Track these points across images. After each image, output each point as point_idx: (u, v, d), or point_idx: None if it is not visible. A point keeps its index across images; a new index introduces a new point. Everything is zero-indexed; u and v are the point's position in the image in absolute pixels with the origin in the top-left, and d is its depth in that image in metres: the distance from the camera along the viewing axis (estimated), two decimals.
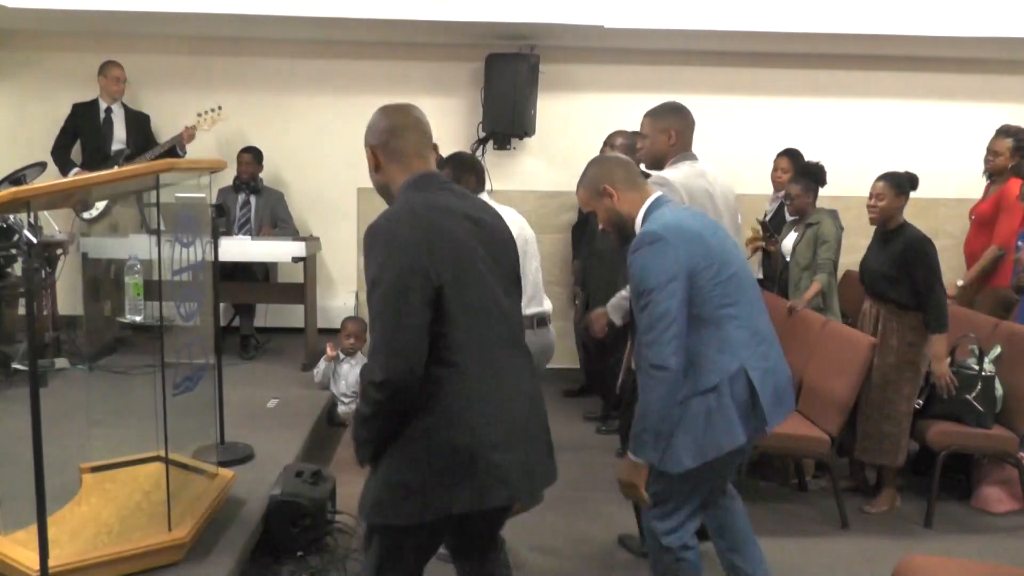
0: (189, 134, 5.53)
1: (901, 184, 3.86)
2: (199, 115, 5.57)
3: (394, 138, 2.09)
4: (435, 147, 2.15)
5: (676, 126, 3.20)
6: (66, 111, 5.60)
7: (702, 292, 2.34)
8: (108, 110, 5.60)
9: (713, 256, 2.37)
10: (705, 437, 2.36)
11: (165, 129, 5.75)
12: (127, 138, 5.60)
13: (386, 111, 2.14)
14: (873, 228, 4.07)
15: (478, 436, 1.92)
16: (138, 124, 5.69)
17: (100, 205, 5.43)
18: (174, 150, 5.52)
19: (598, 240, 5.19)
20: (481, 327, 1.97)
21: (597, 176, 2.56)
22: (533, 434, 2.05)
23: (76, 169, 5.44)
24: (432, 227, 1.93)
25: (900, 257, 3.77)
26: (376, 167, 2.13)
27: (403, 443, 1.93)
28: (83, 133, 5.59)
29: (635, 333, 2.48)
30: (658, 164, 3.26)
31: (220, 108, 5.59)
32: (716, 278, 2.36)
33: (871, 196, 3.90)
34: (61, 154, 5.54)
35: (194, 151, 5.72)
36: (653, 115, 3.24)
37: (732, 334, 2.37)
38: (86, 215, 5.43)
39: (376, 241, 1.91)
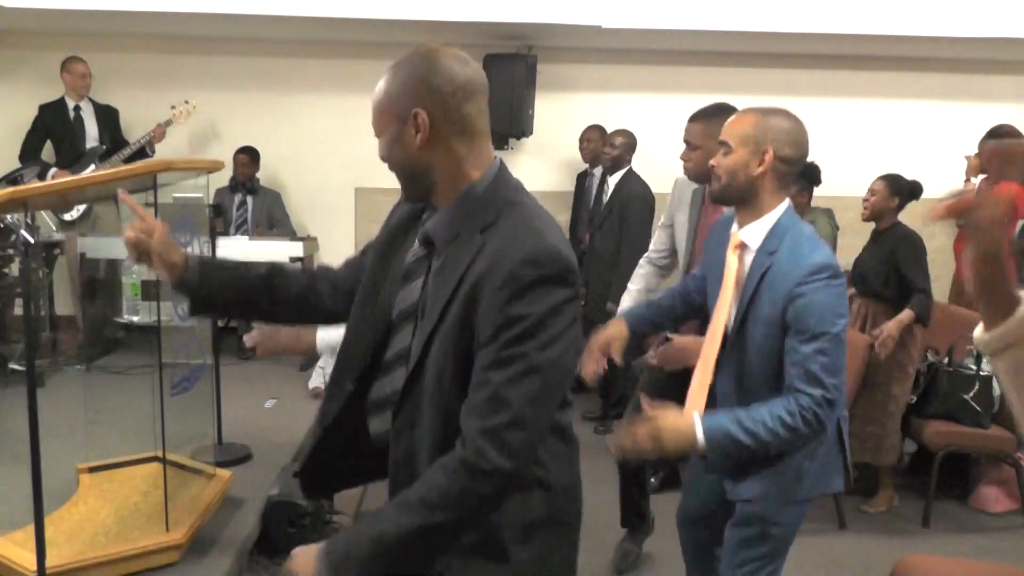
0: (160, 133, 5.49)
1: (899, 186, 3.89)
2: (173, 107, 5.55)
3: (469, 102, 1.41)
4: None
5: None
6: (29, 110, 5.52)
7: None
8: (77, 108, 5.52)
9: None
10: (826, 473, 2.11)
11: (143, 127, 5.69)
12: (100, 134, 5.54)
13: (454, 59, 1.41)
14: (869, 228, 4.08)
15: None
16: (108, 119, 5.62)
17: (81, 206, 5.37)
18: (143, 150, 5.47)
19: (597, 240, 5.19)
20: None
21: (774, 129, 2.01)
22: None
23: (54, 170, 5.36)
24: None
25: (891, 254, 3.82)
26: (425, 141, 1.38)
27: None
28: (54, 133, 5.51)
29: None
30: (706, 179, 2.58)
31: (187, 102, 5.58)
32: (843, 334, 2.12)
33: (867, 193, 3.94)
34: (33, 156, 5.44)
35: (182, 135, 5.71)
36: (706, 119, 2.70)
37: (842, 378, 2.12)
38: (67, 216, 5.37)
39: (545, 265, 1.30)
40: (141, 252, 1.64)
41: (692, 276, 2.50)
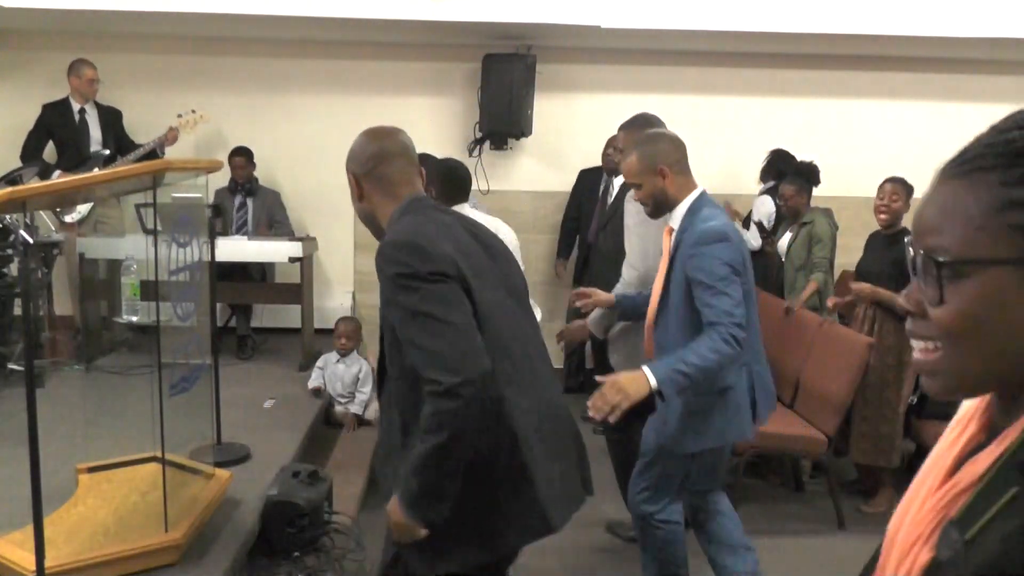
0: (173, 136, 5.46)
1: (908, 188, 3.92)
2: (179, 116, 5.53)
3: (380, 165, 1.97)
4: (421, 172, 2.06)
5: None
6: (30, 111, 5.48)
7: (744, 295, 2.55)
8: (82, 111, 5.48)
9: (747, 264, 2.59)
10: (715, 427, 2.59)
11: (145, 128, 5.69)
12: (104, 138, 5.51)
13: (371, 136, 2.02)
14: (868, 229, 4.08)
15: (536, 460, 1.84)
16: (112, 121, 5.58)
17: (83, 209, 5.33)
18: (154, 152, 5.43)
19: (600, 241, 5.20)
20: (512, 333, 1.90)
21: (656, 154, 2.62)
22: (570, 447, 2.01)
23: (58, 172, 5.32)
24: (448, 235, 1.87)
25: (902, 256, 3.80)
26: (360, 196, 2.00)
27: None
28: (57, 135, 5.46)
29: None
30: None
31: (194, 111, 5.55)
32: (745, 284, 2.55)
33: (882, 197, 3.93)
34: (33, 156, 5.39)
35: (188, 143, 5.71)
36: (630, 128, 3.25)
37: (755, 338, 2.62)
38: (67, 218, 5.33)
39: (394, 257, 1.79)
40: None
41: None
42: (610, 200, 5.23)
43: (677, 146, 2.67)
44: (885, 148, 6.15)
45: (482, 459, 1.79)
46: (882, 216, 3.95)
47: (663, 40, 5.72)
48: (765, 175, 5.34)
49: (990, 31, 5.30)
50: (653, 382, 2.33)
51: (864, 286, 3.93)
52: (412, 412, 1.80)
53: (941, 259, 0.77)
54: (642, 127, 3.18)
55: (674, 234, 2.65)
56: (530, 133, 5.88)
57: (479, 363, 1.71)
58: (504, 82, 5.65)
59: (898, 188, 3.93)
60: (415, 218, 1.90)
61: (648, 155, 2.63)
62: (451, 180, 3.37)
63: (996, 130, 0.78)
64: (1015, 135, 0.76)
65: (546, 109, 5.96)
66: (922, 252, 0.79)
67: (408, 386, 1.81)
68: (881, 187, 3.97)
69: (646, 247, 3.15)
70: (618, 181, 5.18)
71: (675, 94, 6.07)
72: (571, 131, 6.05)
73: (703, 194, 2.66)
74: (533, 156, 6.13)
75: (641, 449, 2.84)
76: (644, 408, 2.72)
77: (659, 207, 2.68)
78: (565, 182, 6.13)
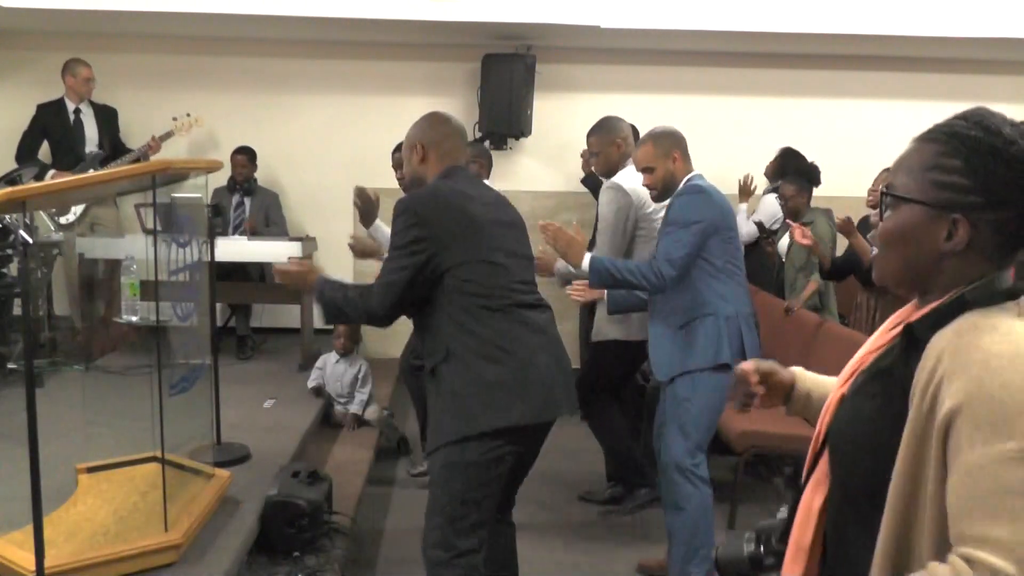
0: (156, 146, 5.44)
1: None
2: (174, 119, 5.53)
3: (448, 140, 2.49)
4: (466, 152, 2.65)
5: (622, 135, 3.73)
6: (28, 111, 5.46)
7: (719, 246, 2.95)
8: (77, 111, 5.45)
9: (731, 223, 3.03)
10: (711, 347, 2.94)
11: (141, 129, 5.69)
12: (99, 138, 5.48)
13: (444, 118, 2.54)
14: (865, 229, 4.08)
15: (535, 363, 2.32)
16: (107, 121, 5.55)
17: (77, 210, 5.31)
18: (138, 161, 5.38)
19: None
20: (509, 278, 2.36)
21: (672, 142, 3.08)
22: (565, 367, 2.44)
23: (52, 172, 5.30)
24: (449, 206, 2.34)
25: None
26: (422, 159, 2.49)
27: (474, 372, 2.27)
28: (51, 135, 5.43)
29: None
30: (611, 174, 3.73)
31: (189, 115, 5.56)
32: (730, 241, 3.00)
33: (874, 184, 3.99)
34: (29, 156, 5.36)
35: (183, 146, 5.71)
36: (598, 132, 3.77)
37: (734, 288, 3.00)
38: (62, 219, 5.31)
39: (400, 212, 2.32)
40: None
41: None
42: None
43: (684, 138, 3.14)
44: (885, 148, 6.13)
45: (498, 347, 2.28)
46: (869, 199, 4.11)
47: (663, 40, 5.72)
48: (772, 174, 5.32)
49: (990, 31, 5.30)
50: (585, 263, 2.91)
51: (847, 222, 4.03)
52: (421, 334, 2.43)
53: (887, 191, 1.18)
54: (612, 127, 3.74)
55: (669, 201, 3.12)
56: (529, 133, 5.88)
57: (389, 305, 2.34)
58: (504, 82, 5.66)
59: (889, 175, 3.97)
60: (441, 183, 2.44)
61: (666, 143, 3.07)
62: (482, 153, 4.33)
63: (954, 116, 1.14)
64: (957, 124, 1.12)
65: (546, 109, 5.96)
66: (884, 186, 1.20)
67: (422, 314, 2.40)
68: (877, 177, 4.07)
69: (617, 242, 3.58)
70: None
71: (675, 94, 6.08)
72: (571, 131, 6.03)
73: (698, 174, 3.09)
74: (533, 156, 6.13)
75: (658, 411, 3.23)
76: (618, 384, 3.85)
77: (665, 188, 3.09)
78: (565, 182, 6.13)
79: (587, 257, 2.94)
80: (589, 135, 3.83)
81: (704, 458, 3.03)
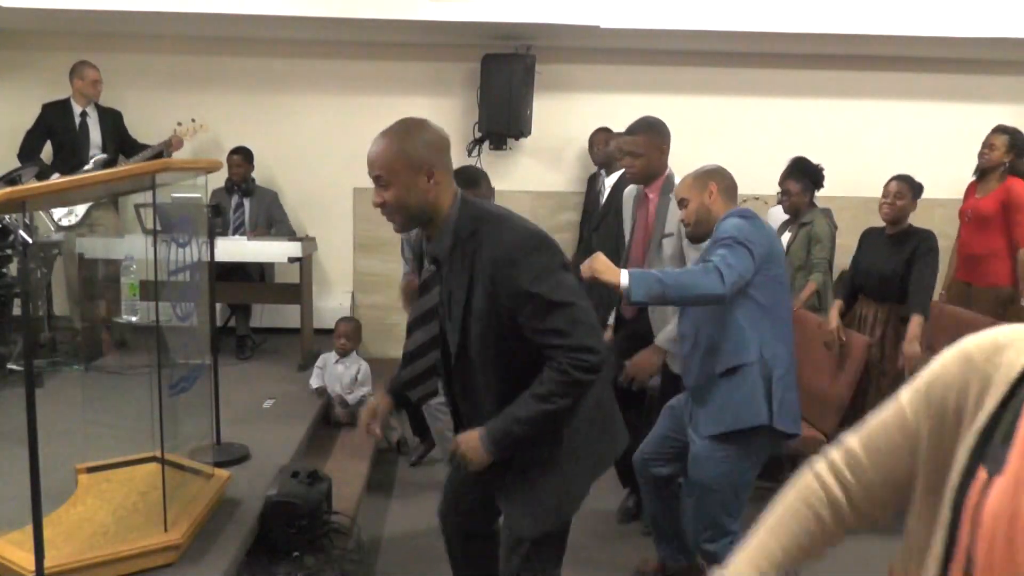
0: (177, 142, 5.47)
1: (915, 187, 3.94)
2: (179, 124, 5.54)
3: (446, 153, 2.07)
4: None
5: (668, 143, 3.38)
6: (29, 111, 5.44)
7: (768, 284, 2.63)
8: (83, 114, 5.43)
9: (781, 259, 2.73)
10: (752, 405, 2.64)
11: (143, 128, 5.69)
12: (104, 142, 5.48)
13: (425, 125, 2.04)
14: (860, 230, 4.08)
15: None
16: (113, 123, 5.55)
17: (79, 211, 5.31)
18: (161, 154, 5.41)
19: (594, 242, 5.20)
20: None
21: (711, 175, 2.83)
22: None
23: (55, 176, 5.24)
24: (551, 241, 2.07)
25: (913, 255, 3.83)
26: (428, 180, 2.00)
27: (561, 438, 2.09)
28: (56, 136, 5.41)
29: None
30: (649, 181, 3.41)
31: (194, 120, 5.58)
32: (780, 278, 2.70)
33: (887, 195, 3.95)
34: (31, 156, 5.35)
35: (187, 151, 5.71)
36: (647, 132, 3.34)
37: (785, 331, 2.72)
38: (64, 221, 5.31)
39: (528, 249, 1.98)
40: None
41: None
42: (602, 199, 5.24)
43: (729, 175, 2.89)
44: (885, 148, 6.16)
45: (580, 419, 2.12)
46: (885, 210, 3.94)
47: (662, 40, 5.72)
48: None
49: (990, 31, 5.30)
50: (625, 280, 2.41)
51: (915, 355, 3.68)
52: (513, 388, 2.04)
53: None
54: (659, 130, 3.35)
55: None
56: (529, 133, 5.88)
57: (604, 342, 2.02)
58: (503, 82, 5.66)
59: (903, 186, 3.92)
60: (480, 203, 2.11)
61: (703, 175, 2.83)
62: (470, 180, 3.43)
63: None
64: None
65: (545, 109, 5.97)
66: None
67: (517, 366, 2.03)
68: (886, 185, 3.97)
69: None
70: (609, 181, 5.20)
71: (674, 94, 6.08)
72: (570, 131, 6.05)
73: (741, 209, 2.81)
74: (532, 156, 6.13)
75: (685, 490, 2.98)
76: (631, 399, 3.33)
77: (700, 225, 2.81)
78: (564, 182, 6.14)
79: (625, 272, 2.45)
80: (633, 132, 3.36)
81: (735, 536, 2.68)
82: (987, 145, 4.75)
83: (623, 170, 5.15)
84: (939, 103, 6.24)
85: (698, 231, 2.82)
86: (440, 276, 2.17)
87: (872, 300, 4.04)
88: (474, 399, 2.18)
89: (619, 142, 3.51)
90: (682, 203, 2.85)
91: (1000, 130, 4.76)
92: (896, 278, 3.89)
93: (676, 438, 2.95)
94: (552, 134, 6.07)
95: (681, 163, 3.35)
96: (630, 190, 3.61)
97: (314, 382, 4.59)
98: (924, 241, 3.86)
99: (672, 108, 5.88)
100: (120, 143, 5.56)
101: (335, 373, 4.54)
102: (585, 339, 1.94)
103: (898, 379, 3.83)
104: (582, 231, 5.77)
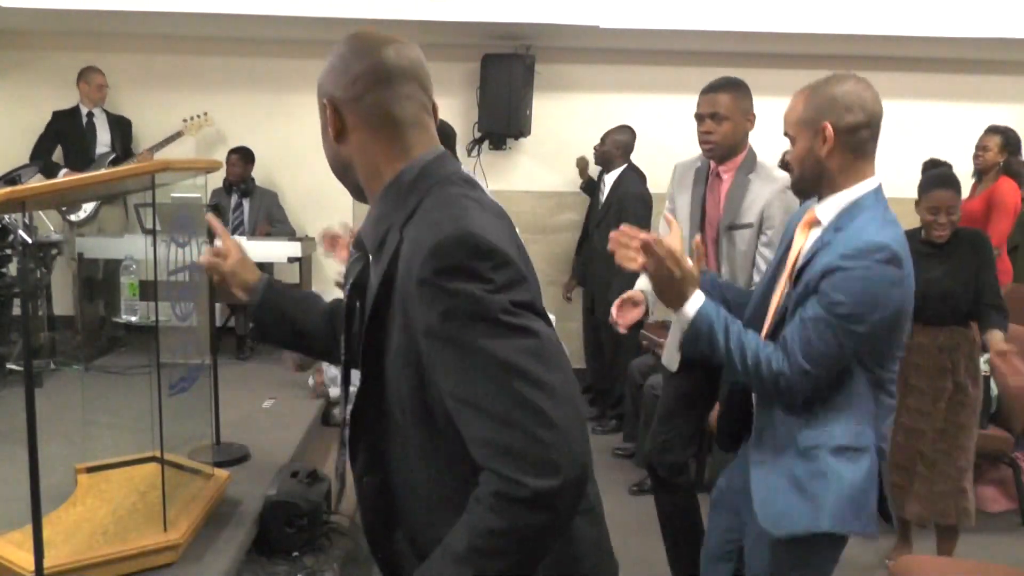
0: (147, 159, 5.54)
1: (1011, 142, 3.89)
2: (185, 120, 5.60)
3: (380, 90, 1.27)
4: (435, 107, 1.44)
5: (753, 109, 2.78)
6: (45, 111, 5.57)
7: (890, 350, 1.83)
8: (90, 114, 5.60)
9: (911, 307, 1.82)
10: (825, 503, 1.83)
11: (145, 128, 5.75)
12: (111, 141, 5.61)
13: (367, 42, 1.31)
14: None
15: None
16: (121, 129, 5.70)
17: (88, 208, 5.42)
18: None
19: (595, 240, 5.20)
20: None
21: (828, 106, 1.84)
22: None
23: (65, 171, 5.40)
24: (511, 238, 1.18)
25: (970, 260, 3.19)
26: (339, 132, 1.32)
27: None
28: (65, 138, 5.56)
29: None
30: (730, 155, 2.78)
31: (206, 114, 5.65)
32: (902, 338, 1.86)
33: (935, 211, 3.19)
34: (43, 159, 5.48)
35: (186, 152, 5.72)
36: (735, 92, 2.75)
37: (889, 403, 1.88)
38: (73, 217, 5.42)
39: (469, 257, 1.08)
40: (216, 274, 1.69)
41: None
42: (602, 198, 5.24)
43: (862, 105, 1.86)
44: (884, 148, 6.13)
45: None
46: (940, 233, 3.17)
47: (662, 40, 5.72)
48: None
49: (990, 31, 5.30)
50: (689, 314, 1.79)
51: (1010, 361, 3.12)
52: (441, 487, 1.21)
53: None
54: (747, 94, 2.78)
55: (820, 231, 1.86)
56: (529, 133, 5.88)
57: (583, 454, 1.05)
58: (503, 82, 5.65)
59: (954, 196, 3.17)
60: (454, 190, 1.21)
61: (813, 101, 1.87)
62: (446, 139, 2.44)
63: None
64: None
65: (545, 109, 5.96)
66: None
67: (440, 446, 1.18)
68: (930, 195, 3.18)
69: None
70: (610, 178, 5.20)
71: (674, 94, 6.07)
72: (570, 131, 6.04)
73: (879, 189, 1.88)
74: (532, 156, 6.13)
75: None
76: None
77: (806, 179, 1.90)
78: (564, 182, 6.13)
79: (695, 300, 1.81)
80: (715, 89, 2.78)
81: None
82: (981, 147, 4.76)
83: (623, 168, 5.18)
84: (939, 103, 6.23)
85: (805, 184, 1.93)
86: (364, 272, 1.36)
87: (927, 327, 3.23)
88: (387, 498, 1.31)
89: (699, 102, 2.84)
90: (788, 137, 1.94)
91: (992, 130, 4.76)
92: (952, 292, 3.19)
93: None
94: (552, 134, 6.06)
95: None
96: (686, 164, 2.95)
97: (313, 382, 4.59)
98: (983, 247, 3.24)
99: (671, 108, 5.90)
100: (124, 152, 5.65)
101: (334, 373, 4.54)
102: (537, 444, 1.02)
103: (959, 417, 3.26)
104: (586, 232, 5.75)
